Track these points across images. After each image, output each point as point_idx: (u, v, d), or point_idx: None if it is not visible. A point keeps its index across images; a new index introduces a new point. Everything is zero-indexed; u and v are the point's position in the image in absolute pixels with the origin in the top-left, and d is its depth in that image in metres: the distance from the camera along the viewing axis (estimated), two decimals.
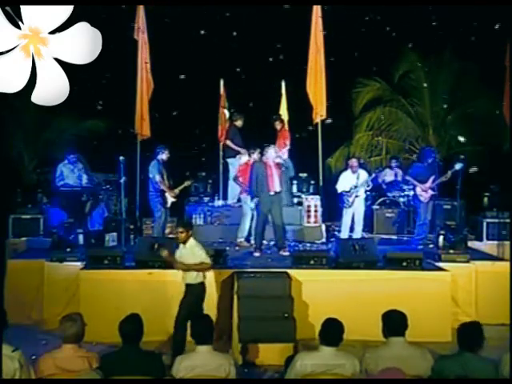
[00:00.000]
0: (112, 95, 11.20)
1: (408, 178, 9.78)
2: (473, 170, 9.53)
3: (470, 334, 4.23)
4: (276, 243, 9.04)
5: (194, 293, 6.40)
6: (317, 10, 10.64)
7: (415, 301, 7.01)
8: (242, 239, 9.59)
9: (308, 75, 10.74)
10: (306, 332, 6.80)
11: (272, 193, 8.75)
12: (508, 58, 9.53)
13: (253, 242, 9.34)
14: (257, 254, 8.75)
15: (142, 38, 10.59)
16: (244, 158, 10.13)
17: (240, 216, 9.84)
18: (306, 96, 10.83)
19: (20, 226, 9.54)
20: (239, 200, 10.52)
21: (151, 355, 4.46)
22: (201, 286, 6.43)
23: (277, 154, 9.04)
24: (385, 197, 10.82)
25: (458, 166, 9.22)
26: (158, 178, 9.03)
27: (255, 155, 9.54)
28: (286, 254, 8.63)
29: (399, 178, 11.05)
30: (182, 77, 11.58)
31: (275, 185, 8.79)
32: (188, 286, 6.41)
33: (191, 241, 6.43)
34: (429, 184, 9.43)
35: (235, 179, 9.95)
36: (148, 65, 10.69)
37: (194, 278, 6.36)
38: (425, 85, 12.77)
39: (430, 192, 9.44)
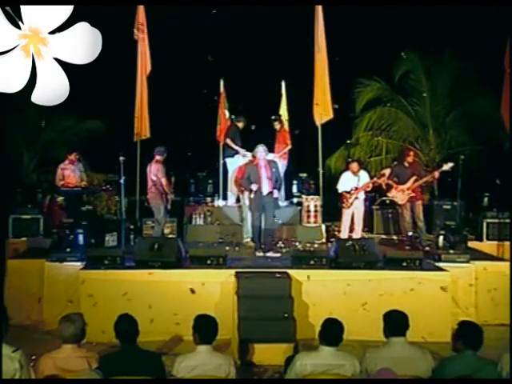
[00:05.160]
0: (112, 95, 11.19)
1: (388, 181, 9.46)
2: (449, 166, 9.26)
3: (470, 332, 4.21)
4: (258, 243, 8.87)
5: None
6: (318, 10, 10.66)
7: (415, 301, 7.03)
8: (248, 239, 9.52)
9: (315, 76, 10.73)
10: (306, 332, 6.80)
11: (265, 193, 8.70)
12: (507, 58, 9.54)
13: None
14: (259, 254, 8.71)
15: (141, 37, 10.60)
16: (245, 159, 10.10)
17: (240, 216, 9.80)
18: (305, 96, 10.82)
19: (20, 225, 9.52)
20: (238, 200, 10.51)
21: (151, 355, 4.45)
22: None
23: (266, 152, 8.99)
24: (385, 197, 10.80)
25: (446, 167, 9.16)
26: (164, 181, 9.04)
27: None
28: (261, 254, 8.63)
29: None
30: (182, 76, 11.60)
31: (267, 185, 8.73)
32: None
33: None
34: (408, 185, 9.28)
35: (236, 180, 9.91)
36: (148, 63, 10.69)
37: None
38: (424, 94, 12.78)
39: (408, 193, 9.26)
